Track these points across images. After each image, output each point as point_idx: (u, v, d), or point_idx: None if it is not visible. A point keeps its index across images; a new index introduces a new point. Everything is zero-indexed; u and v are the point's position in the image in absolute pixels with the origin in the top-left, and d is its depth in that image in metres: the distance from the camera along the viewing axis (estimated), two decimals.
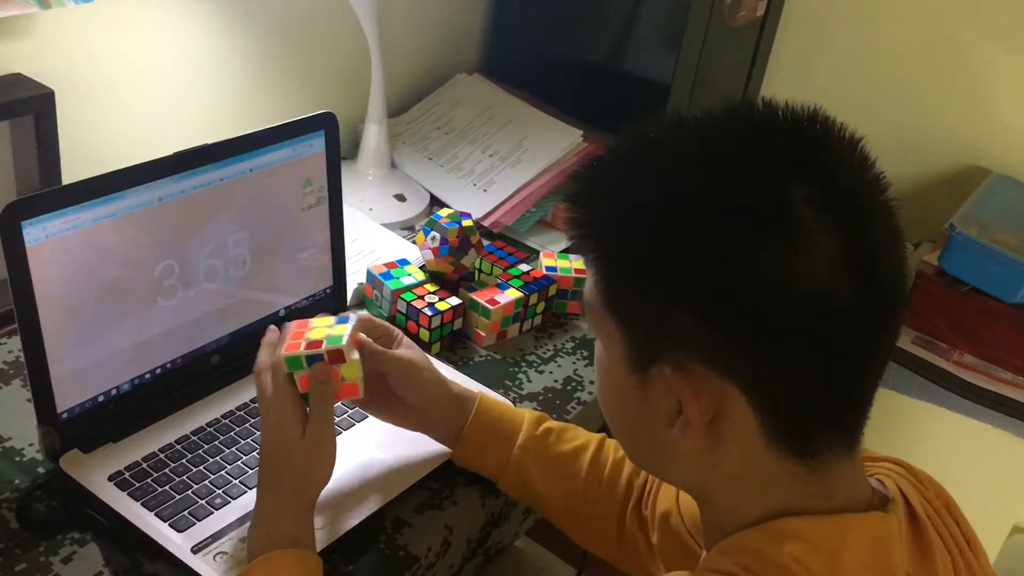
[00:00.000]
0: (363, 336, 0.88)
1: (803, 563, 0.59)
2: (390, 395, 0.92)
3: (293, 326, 0.86)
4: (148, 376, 0.94)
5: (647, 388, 0.62)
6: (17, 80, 1.04)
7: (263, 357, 0.84)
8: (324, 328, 0.84)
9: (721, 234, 0.57)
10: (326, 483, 0.82)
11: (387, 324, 0.94)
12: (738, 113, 0.61)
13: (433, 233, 1.16)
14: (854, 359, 0.59)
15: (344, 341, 0.82)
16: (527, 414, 0.94)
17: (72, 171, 1.07)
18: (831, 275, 0.56)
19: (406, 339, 0.94)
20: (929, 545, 0.64)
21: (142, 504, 0.85)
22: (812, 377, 0.58)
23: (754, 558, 0.60)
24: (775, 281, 0.56)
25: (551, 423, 0.94)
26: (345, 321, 0.86)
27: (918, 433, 1.43)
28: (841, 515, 0.61)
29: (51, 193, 0.83)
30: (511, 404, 0.99)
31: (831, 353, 0.58)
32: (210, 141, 0.93)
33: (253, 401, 0.97)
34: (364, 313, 0.94)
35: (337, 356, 0.82)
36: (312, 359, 0.81)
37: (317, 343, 0.82)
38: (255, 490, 0.81)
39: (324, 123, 1.03)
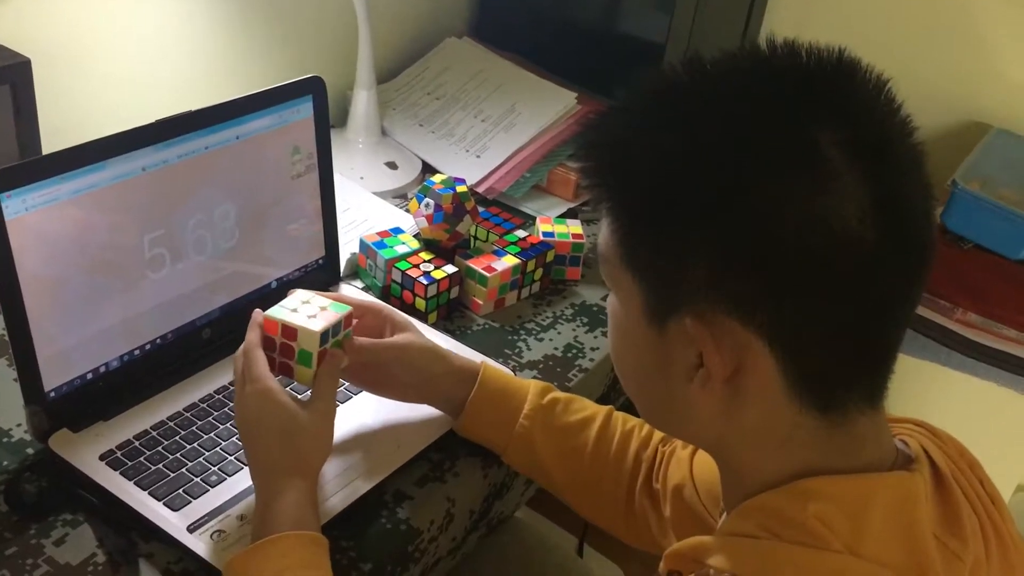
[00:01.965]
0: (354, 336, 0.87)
1: (827, 524, 0.57)
2: (391, 376, 0.90)
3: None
4: (138, 352, 0.91)
5: (665, 342, 0.60)
6: None
7: (252, 336, 0.82)
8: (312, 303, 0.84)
9: (746, 178, 0.55)
10: (326, 459, 0.81)
11: (373, 303, 0.93)
12: (758, 54, 0.59)
13: (427, 200, 1.13)
14: (881, 305, 0.57)
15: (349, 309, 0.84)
16: (532, 384, 0.92)
17: (52, 141, 1.04)
18: (859, 216, 0.54)
19: (397, 315, 0.92)
20: (956, 505, 0.62)
21: (135, 483, 0.83)
22: (838, 324, 0.56)
23: (776, 519, 0.58)
24: (803, 223, 0.54)
25: (557, 393, 0.92)
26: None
27: (921, 392, 1.42)
28: (865, 474, 0.59)
29: (30, 164, 0.80)
30: (514, 375, 0.97)
31: (858, 297, 0.56)
32: (193, 108, 0.90)
33: None
34: (347, 295, 0.93)
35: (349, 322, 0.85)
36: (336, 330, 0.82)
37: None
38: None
39: (311, 88, 1.00)
